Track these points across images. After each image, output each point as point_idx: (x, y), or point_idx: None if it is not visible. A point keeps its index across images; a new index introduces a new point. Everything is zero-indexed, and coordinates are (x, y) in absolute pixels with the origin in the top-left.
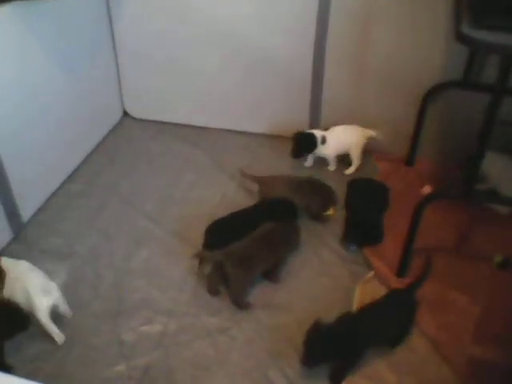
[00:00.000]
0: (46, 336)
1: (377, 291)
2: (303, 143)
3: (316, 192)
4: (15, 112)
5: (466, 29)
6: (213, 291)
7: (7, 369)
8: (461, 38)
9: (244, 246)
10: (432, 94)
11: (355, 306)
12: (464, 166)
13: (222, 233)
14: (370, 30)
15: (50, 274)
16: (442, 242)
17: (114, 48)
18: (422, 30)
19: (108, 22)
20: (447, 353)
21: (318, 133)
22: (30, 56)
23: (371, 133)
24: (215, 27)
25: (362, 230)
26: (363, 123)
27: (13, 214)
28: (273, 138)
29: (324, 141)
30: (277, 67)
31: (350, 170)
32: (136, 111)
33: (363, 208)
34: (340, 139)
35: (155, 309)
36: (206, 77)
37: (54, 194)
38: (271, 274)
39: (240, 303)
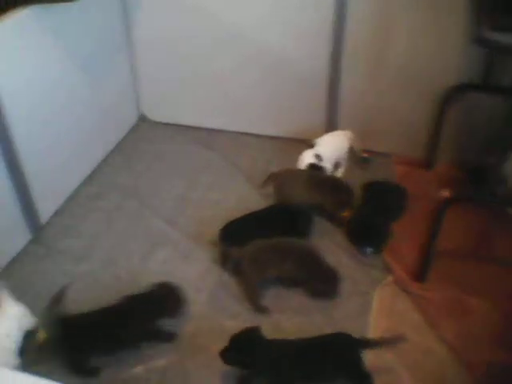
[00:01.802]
0: None
1: (396, 296)
2: None
3: (333, 191)
4: (34, 113)
5: (485, 31)
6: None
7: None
8: (480, 40)
9: (259, 248)
10: (451, 97)
11: (374, 312)
12: (474, 169)
13: (236, 235)
14: (387, 32)
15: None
16: (461, 246)
17: (132, 50)
18: (441, 32)
19: (125, 25)
20: (466, 358)
21: (310, 157)
22: (48, 57)
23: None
24: (231, 30)
25: (362, 232)
26: (380, 125)
27: (31, 216)
28: (289, 140)
29: (320, 159)
30: (293, 69)
31: (340, 173)
32: (153, 114)
33: (371, 212)
34: (332, 151)
35: None
36: (223, 80)
37: (71, 196)
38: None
39: (255, 305)
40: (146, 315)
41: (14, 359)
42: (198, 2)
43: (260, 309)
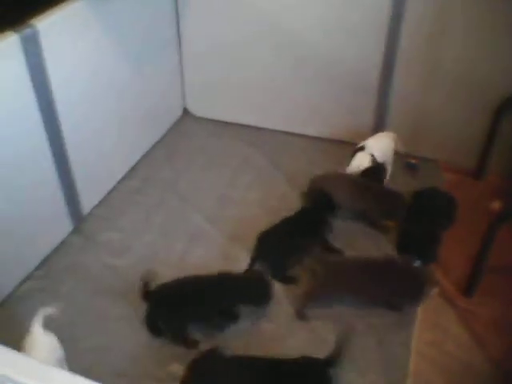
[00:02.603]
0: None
1: (441, 309)
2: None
3: (379, 199)
4: (82, 105)
5: None
6: None
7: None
8: None
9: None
10: (506, 106)
11: (418, 323)
12: None
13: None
14: (444, 36)
15: (109, 269)
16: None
17: (180, 47)
18: (499, 38)
19: (175, 21)
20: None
21: (367, 160)
22: (100, 49)
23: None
24: (281, 29)
25: (415, 243)
26: (430, 130)
27: (74, 207)
28: (332, 142)
29: (376, 162)
30: (343, 71)
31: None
32: (197, 109)
33: (424, 221)
34: (381, 153)
35: None
36: (270, 78)
37: (113, 189)
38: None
39: (300, 312)
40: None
41: None
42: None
43: (300, 315)
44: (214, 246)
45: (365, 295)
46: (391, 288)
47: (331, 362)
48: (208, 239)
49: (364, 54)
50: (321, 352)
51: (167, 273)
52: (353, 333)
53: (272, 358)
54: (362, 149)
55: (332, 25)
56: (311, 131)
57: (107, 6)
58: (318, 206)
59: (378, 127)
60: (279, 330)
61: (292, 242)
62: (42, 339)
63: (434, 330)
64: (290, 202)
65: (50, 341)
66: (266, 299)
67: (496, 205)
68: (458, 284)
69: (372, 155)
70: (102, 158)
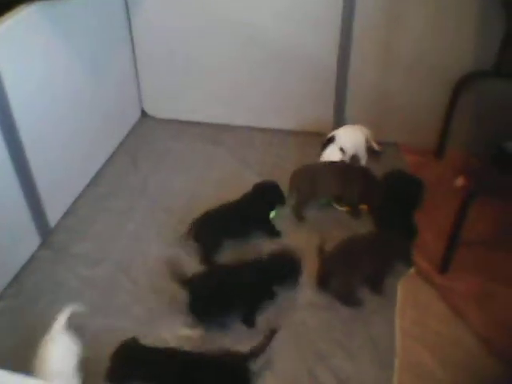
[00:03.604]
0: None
1: (420, 287)
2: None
3: (356, 182)
4: (41, 114)
5: None
6: None
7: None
8: None
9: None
10: (463, 84)
11: (399, 304)
12: (497, 156)
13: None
14: (398, 21)
15: (85, 281)
16: (481, 235)
17: (133, 47)
18: (453, 18)
19: (127, 21)
20: (496, 347)
21: (336, 153)
22: (54, 56)
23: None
24: (234, 21)
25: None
26: (389, 115)
27: (40, 219)
28: (297, 133)
29: (344, 151)
30: (300, 61)
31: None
32: (155, 110)
33: (394, 207)
34: (352, 145)
35: None
36: (227, 74)
37: (79, 198)
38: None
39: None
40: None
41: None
42: None
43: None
44: (190, 248)
45: None
46: None
47: (250, 357)
48: (185, 242)
49: (320, 41)
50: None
51: (146, 281)
52: (277, 333)
53: (193, 351)
54: (331, 140)
55: (287, 14)
56: (274, 124)
57: (56, 11)
58: (265, 195)
59: (338, 115)
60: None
61: (226, 225)
62: (61, 339)
63: (415, 309)
64: None
65: (69, 341)
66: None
67: (460, 181)
68: (432, 261)
69: (342, 149)
70: (65, 167)
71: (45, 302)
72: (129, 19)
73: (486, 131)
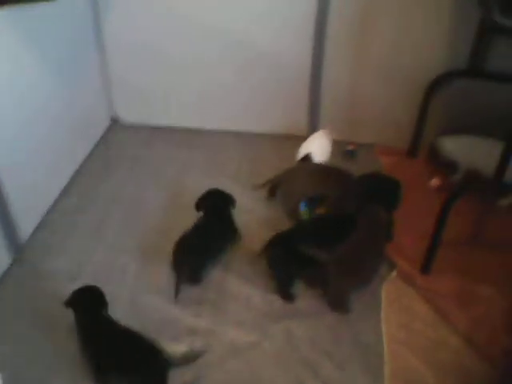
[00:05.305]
0: None
1: (402, 291)
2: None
3: (335, 186)
4: (7, 122)
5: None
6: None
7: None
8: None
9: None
10: (436, 85)
11: (383, 308)
12: None
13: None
14: (370, 23)
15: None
16: (460, 234)
17: (102, 52)
18: (426, 20)
19: (96, 24)
20: (481, 346)
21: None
22: (19, 61)
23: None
24: (206, 25)
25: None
26: (364, 116)
27: (11, 234)
28: (272, 137)
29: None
30: (273, 64)
31: None
32: (126, 116)
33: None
34: (322, 153)
35: (179, 327)
36: (199, 78)
37: (50, 210)
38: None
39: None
40: None
41: None
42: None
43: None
44: (169, 258)
45: None
46: None
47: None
48: (161, 252)
49: (294, 44)
50: (302, 352)
51: (126, 295)
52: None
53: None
54: (307, 158)
55: (261, 19)
56: (248, 128)
57: (21, 16)
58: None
59: (312, 118)
60: (251, 336)
61: (203, 244)
62: None
63: (399, 312)
64: (238, 202)
65: None
66: None
67: (435, 182)
68: (412, 262)
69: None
70: (34, 179)
71: (19, 324)
72: (98, 24)
73: (459, 131)
